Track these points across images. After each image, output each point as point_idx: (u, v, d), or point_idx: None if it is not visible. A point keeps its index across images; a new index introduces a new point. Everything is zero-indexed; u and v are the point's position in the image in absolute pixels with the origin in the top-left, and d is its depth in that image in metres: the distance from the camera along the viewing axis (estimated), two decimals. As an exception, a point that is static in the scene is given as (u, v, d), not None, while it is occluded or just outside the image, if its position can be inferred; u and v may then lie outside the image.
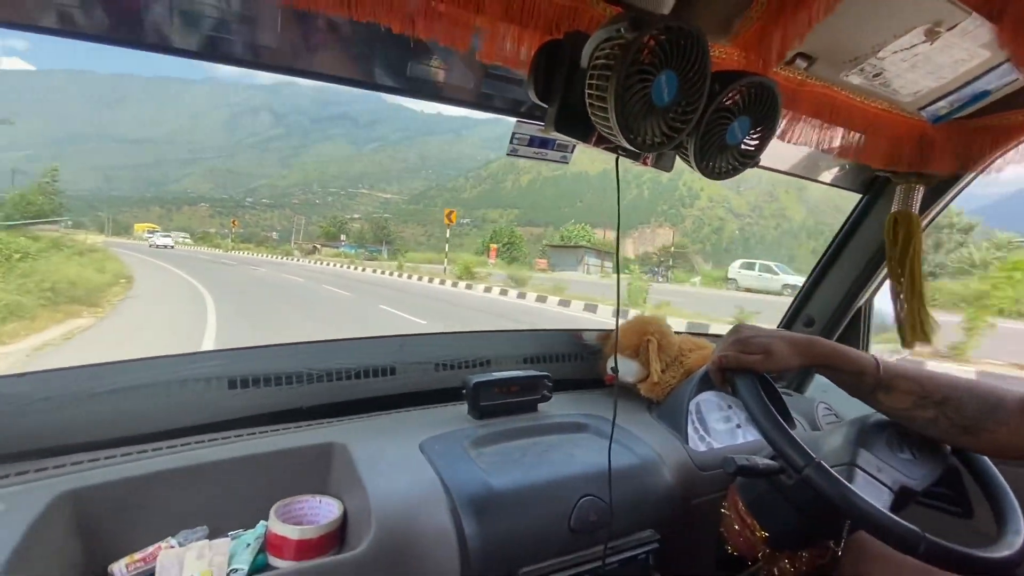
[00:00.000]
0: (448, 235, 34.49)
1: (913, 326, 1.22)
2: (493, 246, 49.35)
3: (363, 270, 29.02)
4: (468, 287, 18.28)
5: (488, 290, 17.14)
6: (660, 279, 33.22)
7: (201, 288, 13.15)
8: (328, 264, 36.41)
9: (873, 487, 0.72)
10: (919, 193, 1.20)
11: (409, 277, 22.86)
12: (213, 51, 0.73)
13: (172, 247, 51.19)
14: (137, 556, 0.73)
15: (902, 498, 0.73)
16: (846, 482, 0.67)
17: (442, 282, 19.87)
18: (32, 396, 0.81)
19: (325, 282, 18.29)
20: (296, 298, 13.40)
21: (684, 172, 0.73)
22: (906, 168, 1.13)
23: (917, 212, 1.20)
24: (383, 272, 27.02)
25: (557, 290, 15.45)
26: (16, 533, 0.62)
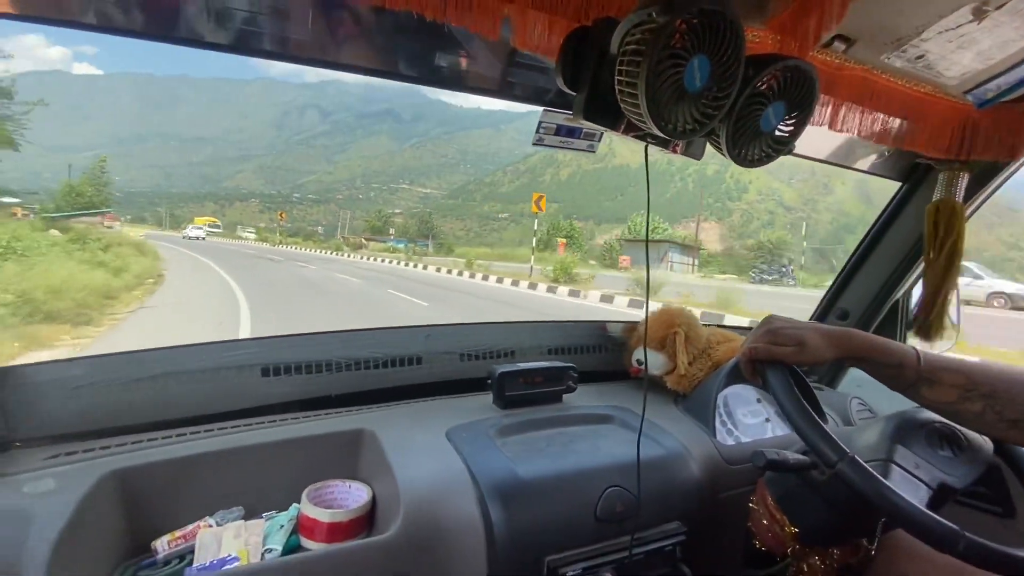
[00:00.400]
0: (537, 227, 29.52)
1: (932, 320, 1.18)
2: (561, 240, 45.62)
3: (423, 268, 24.74)
4: (550, 291, 14.51)
5: (576, 294, 13.64)
6: (790, 281, 28.28)
7: (239, 294, 10.63)
8: (379, 260, 32.27)
9: (910, 484, 0.70)
10: (963, 181, 1.15)
11: (484, 279, 18.67)
12: (243, 44, 0.75)
13: (203, 238, 53.15)
14: (178, 533, 0.76)
15: (940, 496, 0.71)
16: (882, 478, 0.65)
17: (532, 286, 15.82)
18: (81, 381, 0.85)
19: (389, 285, 14.69)
20: (358, 306, 10.44)
21: (731, 164, 0.71)
22: (950, 155, 1.08)
23: (961, 201, 1.15)
24: (447, 271, 22.03)
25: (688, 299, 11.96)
26: (67, 509, 0.66)
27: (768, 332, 0.74)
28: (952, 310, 1.21)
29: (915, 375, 0.71)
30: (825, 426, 0.69)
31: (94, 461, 0.77)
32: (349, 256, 37.90)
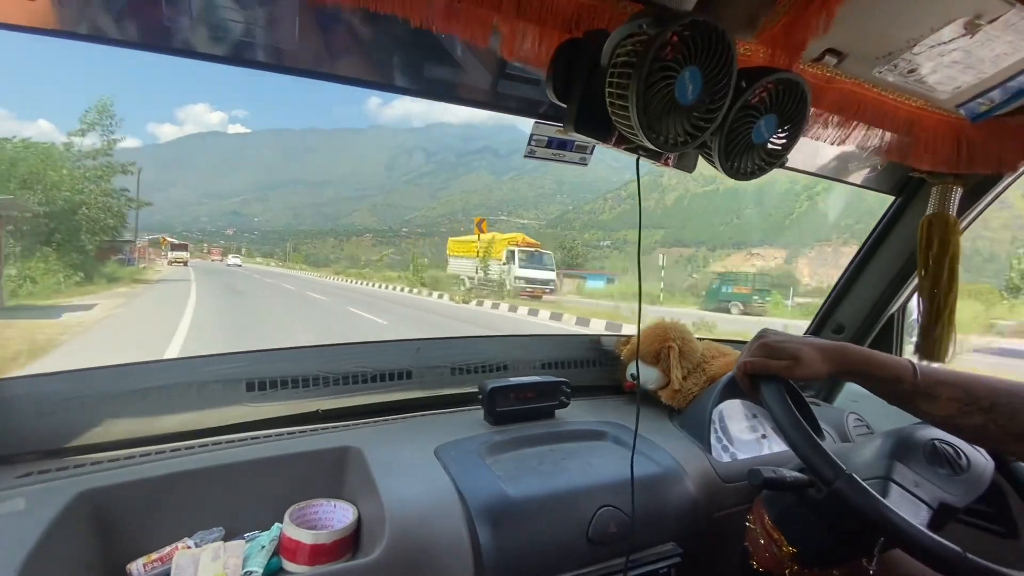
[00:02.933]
0: (662, 262, 23.38)
1: (935, 337, 1.16)
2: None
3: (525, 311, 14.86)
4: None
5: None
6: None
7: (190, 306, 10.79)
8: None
9: (910, 503, 0.68)
10: (956, 195, 1.14)
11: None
12: (234, 54, 0.74)
13: (240, 266, 58.82)
14: (154, 556, 0.73)
15: (942, 515, 0.69)
16: (880, 497, 0.63)
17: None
18: (55, 396, 0.83)
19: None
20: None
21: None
22: (943, 168, 1.08)
23: (955, 215, 1.15)
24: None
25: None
26: (36, 531, 0.63)
27: (763, 346, 0.73)
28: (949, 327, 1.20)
29: (912, 389, 0.69)
30: (822, 443, 0.67)
31: (68, 480, 0.74)
32: (415, 293, 23.03)
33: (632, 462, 0.82)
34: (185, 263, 44.95)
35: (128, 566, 0.72)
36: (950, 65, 0.86)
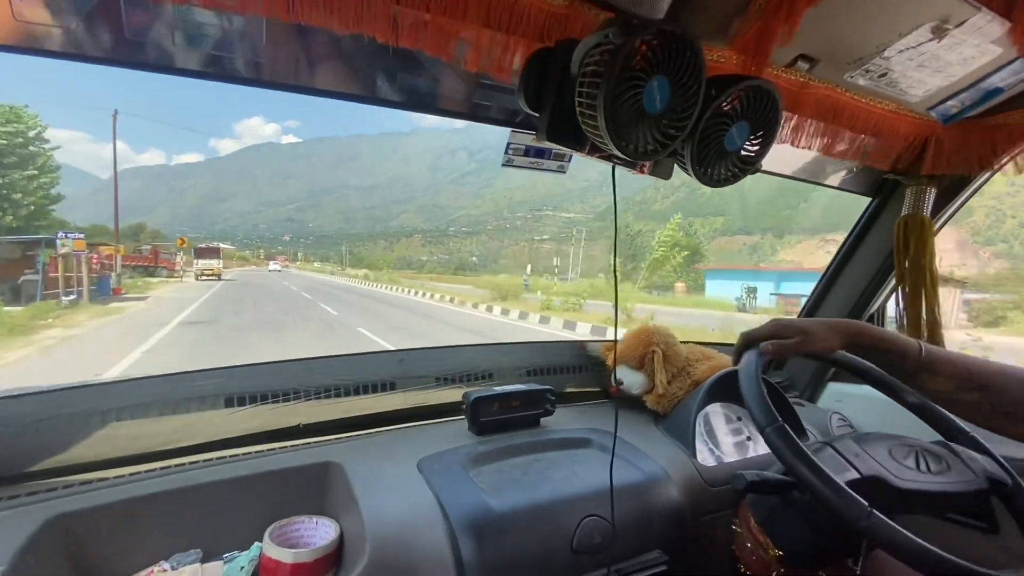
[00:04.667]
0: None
1: (911, 333, 1.18)
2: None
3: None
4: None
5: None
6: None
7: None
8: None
9: (838, 463, 0.69)
10: (931, 195, 1.16)
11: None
12: (211, 69, 0.73)
13: (280, 270, 56.69)
14: (129, 581, 0.72)
15: (871, 486, 0.69)
16: (805, 448, 0.64)
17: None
18: (22, 418, 0.80)
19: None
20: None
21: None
22: (916, 170, 1.09)
23: (929, 215, 1.16)
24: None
25: None
26: (2, 560, 0.61)
27: (773, 322, 0.76)
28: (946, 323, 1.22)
29: (916, 364, 0.74)
30: (767, 400, 0.68)
31: (37, 505, 0.72)
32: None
33: (611, 470, 0.81)
34: (219, 276, 31.81)
35: None
36: (919, 68, 0.87)
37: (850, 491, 0.62)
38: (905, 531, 0.60)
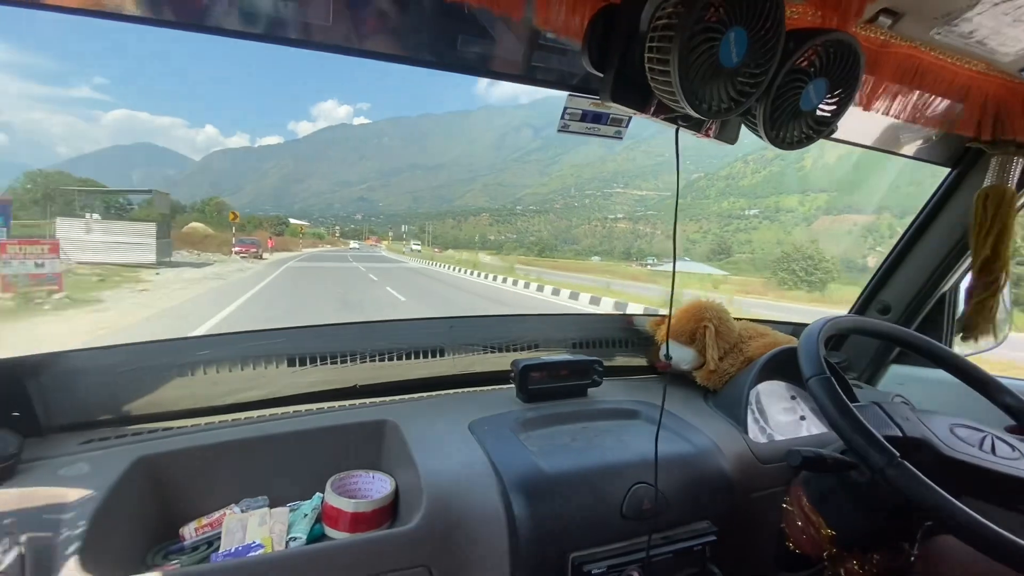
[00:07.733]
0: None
1: (982, 317, 1.11)
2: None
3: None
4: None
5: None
6: None
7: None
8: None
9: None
10: (1018, 166, 1.07)
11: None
12: (264, 31, 0.74)
13: (358, 248, 57.45)
14: (205, 520, 0.77)
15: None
16: (935, 485, 0.58)
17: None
18: (114, 368, 0.87)
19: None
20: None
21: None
22: (1004, 136, 1.01)
23: (1014, 187, 1.08)
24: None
25: None
26: (100, 493, 0.67)
27: None
28: (1002, 308, 1.14)
29: None
30: (868, 425, 0.64)
31: (126, 447, 0.78)
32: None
33: (657, 438, 0.80)
34: (259, 257, 29.12)
35: (181, 529, 0.76)
36: (1013, 25, 0.80)
37: (881, 438, 0.60)
38: (935, 485, 0.57)
